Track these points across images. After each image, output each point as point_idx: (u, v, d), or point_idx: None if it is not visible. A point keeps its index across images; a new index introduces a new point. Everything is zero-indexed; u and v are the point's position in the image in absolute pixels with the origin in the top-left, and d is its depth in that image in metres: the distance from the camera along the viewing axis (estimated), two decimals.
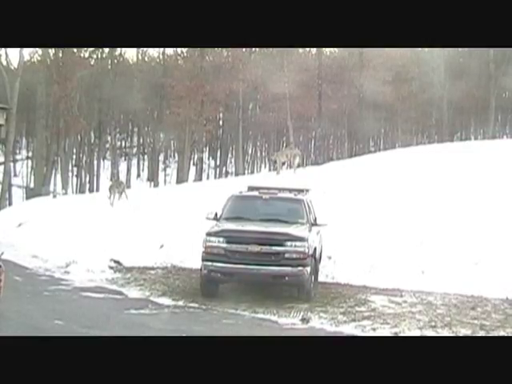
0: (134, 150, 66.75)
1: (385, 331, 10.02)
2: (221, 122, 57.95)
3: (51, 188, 38.30)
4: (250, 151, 65.91)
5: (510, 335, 9.97)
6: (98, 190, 47.17)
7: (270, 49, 46.65)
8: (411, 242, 14.96)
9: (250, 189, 14.51)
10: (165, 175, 61.69)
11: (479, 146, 28.62)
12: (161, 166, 61.20)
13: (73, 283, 13.42)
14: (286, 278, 11.96)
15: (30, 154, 58.11)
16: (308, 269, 11.97)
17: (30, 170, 55.18)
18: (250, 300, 11.81)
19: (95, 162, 53.84)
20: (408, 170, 22.41)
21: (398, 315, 11.08)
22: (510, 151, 24.00)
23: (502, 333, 10.07)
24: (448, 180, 19.71)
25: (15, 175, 57.49)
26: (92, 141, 54.62)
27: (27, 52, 45.65)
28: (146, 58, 58.45)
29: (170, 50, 52.76)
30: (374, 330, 10.12)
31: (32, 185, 48.18)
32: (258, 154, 68.45)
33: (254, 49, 49.30)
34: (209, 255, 12.08)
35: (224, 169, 61.26)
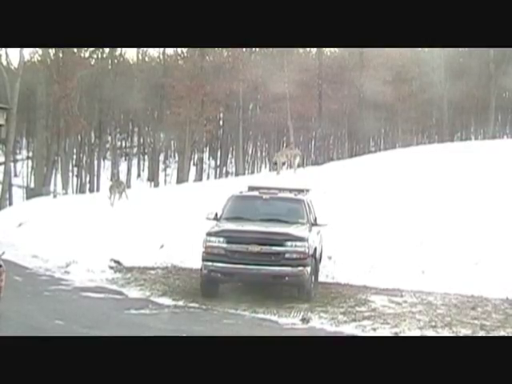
0: (135, 150, 66.76)
1: (385, 331, 10.02)
2: (221, 122, 57.98)
3: (51, 188, 38.36)
4: (250, 151, 65.93)
5: (510, 335, 9.97)
6: (98, 190, 47.18)
7: (270, 49, 46.68)
8: (411, 242, 14.95)
9: (251, 189, 14.50)
10: (165, 175, 61.71)
11: (479, 146, 28.62)
12: (161, 166, 61.20)
13: (73, 283, 13.42)
14: (286, 278, 11.96)
15: (31, 154, 58.13)
16: (308, 269, 11.97)
17: (30, 170, 55.21)
18: (250, 300, 11.81)
19: (95, 162, 53.85)
20: (408, 170, 22.40)
21: (399, 315, 11.08)
22: (511, 151, 23.99)
23: (502, 333, 10.06)
24: (448, 180, 19.70)
25: (15, 175, 57.51)
26: (92, 141, 54.62)
27: (27, 52, 45.74)
28: (147, 58, 58.49)
29: (170, 50, 52.87)
30: (374, 329, 10.12)
31: (32, 185, 48.22)
32: (259, 154, 68.47)
33: (254, 49, 49.33)
34: (209, 255, 12.08)
35: (224, 169, 61.28)
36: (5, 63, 41.51)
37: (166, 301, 11.94)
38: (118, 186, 23.14)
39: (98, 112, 51.61)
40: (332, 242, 14.63)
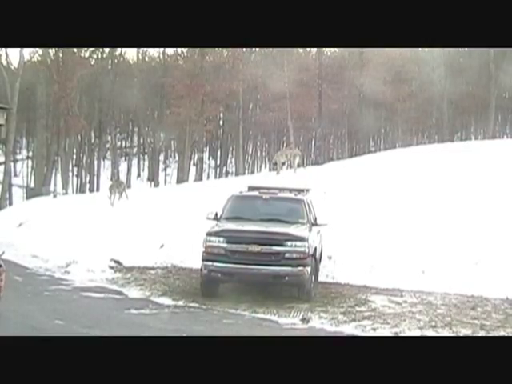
0: (135, 149, 66.79)
1: (385, 331, 10.02)
2: (221, 122, 58.02)
3: (51, 188, 38.37)
4: (250, 151, 65.93)
5: (510, 335, 9.97)
6: (98, 189, 47.19)
7: (270, 49, 46.67)
8: (411, 242, 14.95)
9: (251, 189, 14.50)
10: (165, 175, 61.72)
11: (479, 146, 28.61)
12: (161, 165, 61.23)
13: (73, 283, 13.43)
14: (286, 278, 11.96)
15: (31, 154, 58.16)
16: (308, 269, 11.97)
17: (30, 169, 55.23)
18: (250, 300, 11.81)
19: (95, 162, 53.86)
20: (408, 170, 22.39)
21: (399, 315, 11.08)
22: (510, 151, 23.99)
23: (502, 333, 10.06)
24: (448, 180, 19.70)
25: (15, 175, 57.53)
26: (92, 141, 54.64)
27: (27, 52, 45.72)
28: (147, 58, 58.51)
29: (170, 50, 52.88)
30: (374, 329, 10.12)
31: (32, 185, 48.25)
32: (259, 154, 68.47)
33: (254, 49, 49.34)
34: (209, 255, 12.08)
35: (224, 169, 61.29)
36: (5, 63, 41.61)
37: (165, 301, 11.94)
38: (118, 186, 23.15)
39: (98, 112, 51.63)
40: (332, 241, 14.62)
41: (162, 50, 53.67)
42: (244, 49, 46.40)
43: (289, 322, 10.65)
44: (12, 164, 50.40)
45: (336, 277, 14.14)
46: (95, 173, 53.02)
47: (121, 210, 20.25)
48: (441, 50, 42.47)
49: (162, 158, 62.46)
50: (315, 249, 12.66)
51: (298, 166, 26.91)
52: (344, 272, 14.16)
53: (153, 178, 53.89)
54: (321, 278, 13.57)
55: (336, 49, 53.38)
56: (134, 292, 12.74)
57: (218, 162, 63.52)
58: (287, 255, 11.87)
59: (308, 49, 53.07)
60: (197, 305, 11.63)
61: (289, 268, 11.82)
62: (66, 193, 42.62)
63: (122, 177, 51.52)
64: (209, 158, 65.59)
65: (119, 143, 65.89)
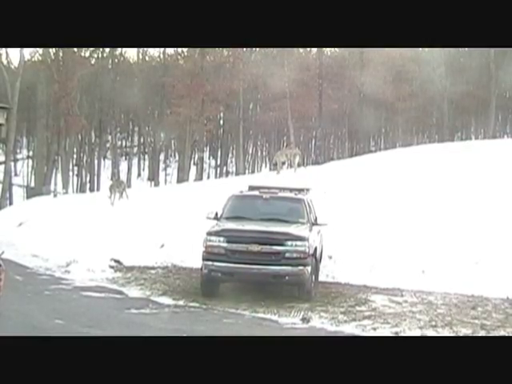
0: (135, 149, 66.82)
1: (385, 331, 10.02)
2: (221, 122, 58.04)
3: (52, 187, 38.38)
4: (250, 151, 65.95)
5: (510, 335, 9.97)
6: (98, 189, 47.23)
7: (271, 48, 46.68)
8: (411, 242, 14.95)
9: (251, 188, 14.50)
10: (165, 175, 61.75)
11: (480, 146, 28.61)
12: (161, 165, 61.25)
13: (73, 282, 13.43)
14: (287, 278, 11.96)
15: (31, 154, 58.18)
16: (308, 268, 11.97)
17: (30, 169, 55.24)
18: (250, 299, 11.81)
19: (96, 162, 53.89)
20: (409, 169, 22.40)
21: (399, 315, 11.08)
22: (511, 151, 23.99)
23: (502, 332, 10.06)
24: (448, 180, 19.70)
25: (16, 174, 57.55)
26: (92, 140, 54.67)
27: (28, 51, 45.78)
28: (147, 58, 58.53)
29: (170, 50, 52.93)
30: (374, 329, 10.12)
31: (32, 184, 48.25)
32: (259, 154, 68.48)
33: (254, 48, 49.32)
34: (209, 255, 12.08)
35: (225, 168, 61.31)
36: (5, 62, 41.63)
37: (166, 300, 11.95)
38: (119, 186, 23.14)
39: (99, 111, 51.65)
40: (332, 241, 14.62)
41: (162, 49, 53.74)
42: (244, 48, 46.40)
43: (289, 321, 10.65)
44: (12, 163, 50.42)
45: (336, 276, 14.14)
46: (95, 172, 53.04)
47: (121, 209, 20.25)
48: (441, 49, 42.46)
49: (162, 157, 62.49)
50: (315, 248, 12.66)
51: (299, 165, 26.92)
52: (344, 272, 14.16)
53: (153, 178, 53.91)
54: (321, 278, 13.57)
55: (336, 48, 53.42)
56: (134, 291, 12.74)
57: (219, 162, 63.53)
58: (287, 255, 11.87)
59: (308, 49, 53.11)
60: (197, 304, 11.63)
61: (289, 267, 11.82)
62: (67, 192, 42.61)
63: (123, 176, 51.51)
64: (209, 158, 65.60)
65: (119, 143, 65.89)
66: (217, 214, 13.12)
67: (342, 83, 50.83)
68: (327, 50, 51.91)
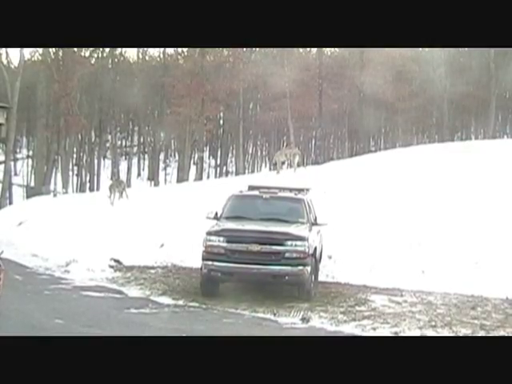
0: (135, 149, 66.81)
1: (385, 331, 10.02)
2: (221, 122, 58.04)
3: (51, 187, 38.39)
4: (250, 150, 65.94)
5: (510, 335, 9.97)
6: (98, 189, 47.20)
7: (271, 48, 46.67)
8: (411, 242, 14.95)
9: (251, 188, 14.50)
10: (165, 174, 61.73)
11: (480, 146, 28.61)
12: (161, 165, 61.24)
13: (73, 282, 13.42)
14: (286, 278, 11.96)
15: (31, 153, 58.14)
16: (308, 268, 11.97)
17: (30, 168, 55.22)
18: (250, 299, 11.81)
19: (96, 161, 53.87)
20: (408, 169, 22.40)
21: (398, 315, 11.08)
22: (511, 151, 23.99)
23: (502, 333, 10.06)
24: (448, 180, 19.71)
25: (16, 174, 57.51)
26: (92, 140, 54.66)
27: (28, 51, 45.74)
28: (147, 57, 58.47)
29: (170, 50, 52.85)
30: (374, 329, 10.12)
31: (32, 184, 48.24)
32: (259, 154, 68.47)
33: (254, 48, 49.31)
34: (209, 254, 12.08)
35: (224, 168, 61.30)
36: (5, 62, 41.59)
37: (165, 300, 11.95)
38: (118, 185, 23.12)
39: (98, 111, 51.64)
40: (332, 241, 14.62)
41: (162, 49, 53.69)
42: (244, 48, 46.40)
43: (289, 321, 10.66)
44: (12, 163, 50.39)
45: (336, 276, 14.14)
46: (95, 172, 53.04)
47: (121, 209, 20.23)
48: (441, 49, 42.47)
49: (162, 157, 62.47)
50: (315, 248, 12.66)
51: (298, 165, 26.90)
52: (344, 271, 14.16)
53: (153, 178, 53.90)
54: (321, 278, 13.57)
55: (336, 48, 53.42)
56: (133, 291, 12.74)
57: (218, 162, 63.52)
58: (287, 255, 11.87)
59: (308, 49, 53.11)
60: (197, 304, 11.63)
61: (289, 267, 11.82)
62: (66, 192, 42.61)
63: (122, 176, 51.50)
64: (209, 158, 65.59)
65: (119, 142, 65.87)
66: (216, 213, 13.12)
67: (341, 83, 50.79)
68: (327, 50, 51.92)
